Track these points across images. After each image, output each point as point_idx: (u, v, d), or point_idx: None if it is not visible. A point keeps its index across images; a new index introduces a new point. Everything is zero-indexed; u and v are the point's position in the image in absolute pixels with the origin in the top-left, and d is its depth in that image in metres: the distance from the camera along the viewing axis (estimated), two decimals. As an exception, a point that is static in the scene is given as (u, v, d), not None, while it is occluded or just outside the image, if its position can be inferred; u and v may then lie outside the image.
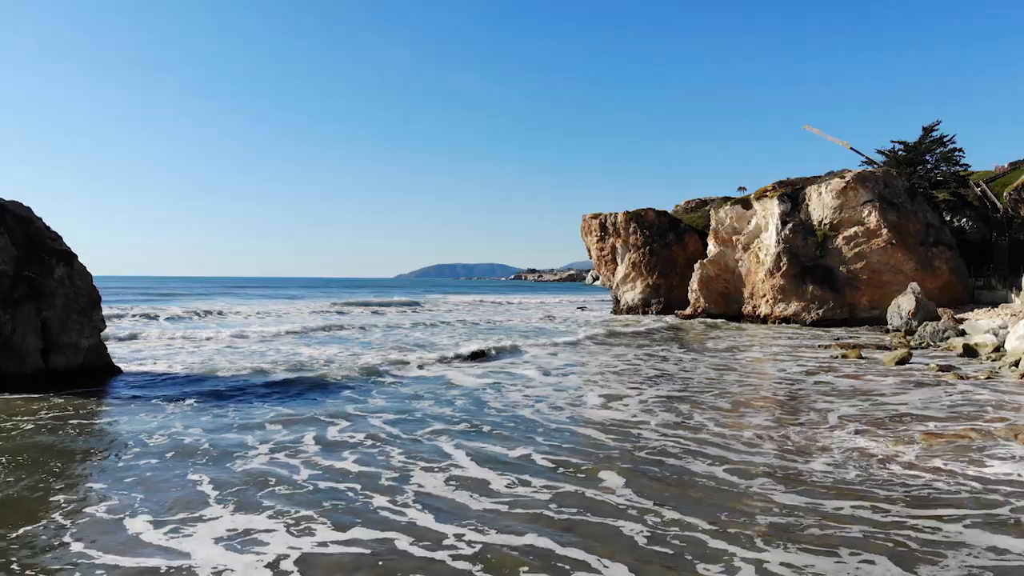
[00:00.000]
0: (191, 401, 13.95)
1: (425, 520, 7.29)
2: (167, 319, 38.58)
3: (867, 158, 50.31)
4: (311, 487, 8.42)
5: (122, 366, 17.76)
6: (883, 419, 12.46)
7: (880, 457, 9.79)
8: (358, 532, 6.97)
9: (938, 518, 7.38)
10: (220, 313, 44.62)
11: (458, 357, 21.79)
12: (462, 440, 10.87)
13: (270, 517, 7.37)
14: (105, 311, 17.78)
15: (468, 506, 7.76)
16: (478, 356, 22.25)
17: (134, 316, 38.80)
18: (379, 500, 7.93)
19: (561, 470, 9.24)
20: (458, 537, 6.84)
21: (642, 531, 7.04)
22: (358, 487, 8.41)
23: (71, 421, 11.93)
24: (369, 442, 10.71)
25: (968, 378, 17.13)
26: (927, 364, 19.67)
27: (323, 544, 6.68)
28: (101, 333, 16.81)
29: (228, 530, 7.01)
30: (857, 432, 11.30)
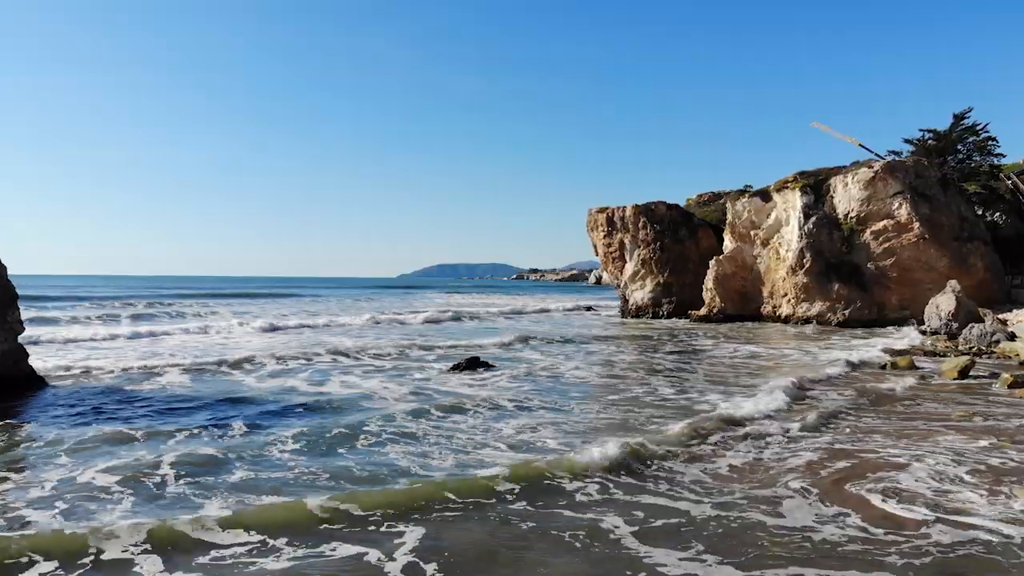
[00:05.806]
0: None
1: None
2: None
3: (880, 156, 47.11)
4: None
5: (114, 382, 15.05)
6: (990, 451, 9.68)
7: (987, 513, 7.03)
8: None
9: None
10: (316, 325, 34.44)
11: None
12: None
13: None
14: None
15: None
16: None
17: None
18: None
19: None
20: None
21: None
22: None
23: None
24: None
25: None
26: (996, 375, 16.85)
27: None
28: (19, 337, 14.11)
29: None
30: (966, 477, 8.53)
